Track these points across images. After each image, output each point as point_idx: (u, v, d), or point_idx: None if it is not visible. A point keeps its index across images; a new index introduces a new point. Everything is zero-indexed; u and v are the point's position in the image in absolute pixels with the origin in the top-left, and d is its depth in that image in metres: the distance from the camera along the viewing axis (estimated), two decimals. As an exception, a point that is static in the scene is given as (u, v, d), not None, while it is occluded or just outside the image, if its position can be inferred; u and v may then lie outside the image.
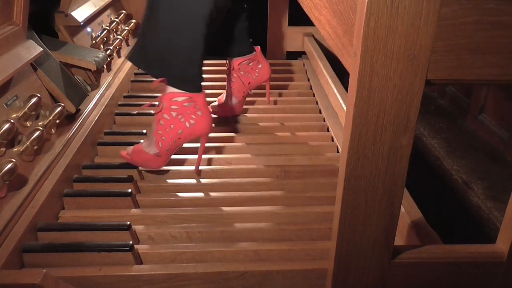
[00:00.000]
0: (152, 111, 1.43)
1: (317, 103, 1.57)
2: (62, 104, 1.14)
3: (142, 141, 1.21)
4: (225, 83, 1.42)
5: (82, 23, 1.43)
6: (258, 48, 1.38)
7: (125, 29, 1.74)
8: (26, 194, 0.95)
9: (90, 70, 1.40)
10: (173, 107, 1.08)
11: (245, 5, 1.33)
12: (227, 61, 1.38)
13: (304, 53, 2.00)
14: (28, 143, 1.00)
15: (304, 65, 1.89)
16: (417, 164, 1.11)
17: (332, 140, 1.36)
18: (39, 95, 1.07)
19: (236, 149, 1.29)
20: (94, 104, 1.34)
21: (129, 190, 1.05)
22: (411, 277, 0.74)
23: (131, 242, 0.88)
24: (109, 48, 1.55)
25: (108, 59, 1.50)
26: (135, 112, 1.44)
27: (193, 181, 1.14)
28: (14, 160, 0.91)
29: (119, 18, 1.75)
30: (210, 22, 1.05)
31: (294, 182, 1.15)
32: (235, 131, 1.38)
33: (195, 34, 1.05)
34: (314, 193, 1.10)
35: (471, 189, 1.40)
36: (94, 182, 1.10)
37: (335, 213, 0.69)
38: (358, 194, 0.65)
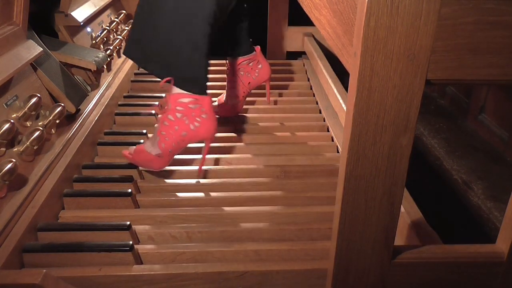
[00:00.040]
0: (152, 111, 1.43)
1: (317, 103, 1.57)
2: (62, 104, 1.14)
3: (142, 141, 1.22)
4: (225, 83, 1.42)
5: (82, 23, 1.43)
6: (258, 48, 1.38)
7: (125, 29, 1.74)
8: (26, 194, 0.95)
9: (90, 70, 1.40)
10: (178, 108, 1.07)
11: (245, 5, 1.33)
12: (227, 61, 1.38)
13: (304, 53, 2.00)
14: (28, 143, 1.00)
15: (304, 65, 1.89)
16: (417, 164, 1.11)
17: (332, 140, 1.36)
18: (39, 95, 1.07)
19: (236, 149, 1.29)
20: (94, 104, 1.34)
21: (129, 190, 1.05)
22: (411, 277, 0.74)
23: (131, 242, 0.88)
24: (109, 48, 1.55)
25: (108, 59, 1.50)
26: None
27: (193, 181, 1.14)
28: (14, 160, 0.91)
29: (119, 18, 1.75)
30: (214, 22, 1.05)
31: (294, 182, 1.15)
32: (235, 131, 1.38)
33: (198, 34, 1.04)
34: (314, 193, 1.10)
35: (471, 189, 1.40)
36: (94, 182, 1.10)
37: (335, 213, 0.69)
38: (358, 194, 0.65)
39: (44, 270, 0.75)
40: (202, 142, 1.14)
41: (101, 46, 1.56)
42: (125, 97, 1.57)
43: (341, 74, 1.59)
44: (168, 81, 1.07)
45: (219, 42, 1.31)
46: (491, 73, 0.59)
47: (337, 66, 1.54)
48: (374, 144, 0.61)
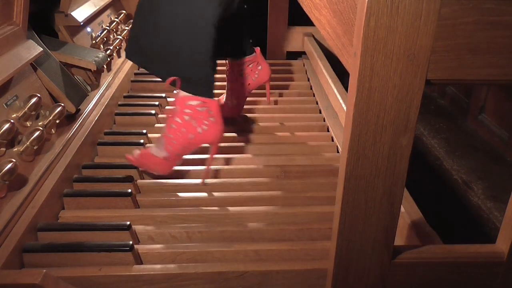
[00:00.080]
0: (152, 111, 1.43)
1: (317, 103, 1.57)
2: (62, 104, 1.14)
3: (141, 141, 1.22)
4: (225, 83, 1.42)
5: (82, 23, 1.43)
6: (257, 49, 1.37)
7: (125, 29, 1.74)
8: (26, 194, 0.95)
9: (90, 70, 1.40)
10: (186, 110, 1.06)
11: (245, 6, 1.33)
12: (227, 62, 1.38)
13: (304, 53, 2.00)
14: (28, 143, 1.00)
15: (304, 65, 1.89)
16: (417, 164, 1.11)
17: (332, 140, 1.36)
18: (39, 95, 1.07)
19: (236, 149, 1.29)
20: (94, 104, 1.34)
21: (129, 190, 1.05)
22: (411, 277, 0.74)
23: (131, 242, 0.88)
24: (109, 48, 1.55)
25: (108, 59, 1.50)
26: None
27: (193, 181, 1.14)
28: (14, 160, 0.91)
29: (119, 18, 1.75)
30: (219, 24, 1.03)
31: (294, 182, 1.15)
32: (235, 131, 1.38)
33: (203, 36, 1.03)
34: (314, 193, 1.10)
35: (471, 189, 1.40)
36: (94, 182, 1.10)
37: (335, 213, 0.69)
38: (358, 194, 0.65)
39: (44, 270, 0.75)
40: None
41: (101, 46, 1.56)
42: (125, 97, 1.57)
43: (341, 74, 1.59)
44: (173, 83, 1.06)
45: (219, 43, 1.30)
46: (491, 73, 0.59)
47: (337, 66, 1.54)
48: (374, 144, 0.61)
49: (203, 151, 1.17)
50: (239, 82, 1.36)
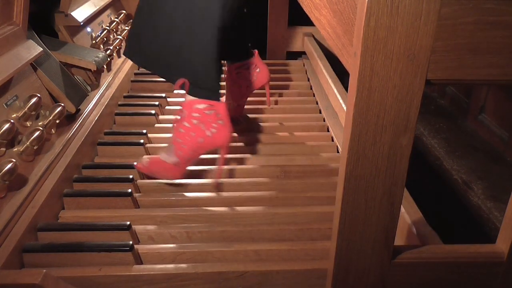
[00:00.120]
0: (152, 111, 1.43)
1: (317, 103, 1.57)
2: (62, 104, 1.14)
3: (141, 141, 1.21)
4: (224, 84, 1.42)
5: (82, 23, 1.43)
6: (256, 52, 1.37)
7: (125, 29, 1.74)
8: (26, 194, 0.95)
9: (90, 70, 1.40)
10: (194, 114, 1.05)
11: (245, 10, 1.32)
12: (225, 64, 1.37)
13: (304, 53, 2.00)
14: (28, 143, 1.00)
15: (304, 65, 1.89)
16: (417, 164, 1.11)
17: (332, 140, 1.36)
18: (39, 95, 1.07)
19: (236, 149, 1.29)
20: (94, 104, 1.34)
21: (129, 190, 1.05)
22: (411, 277, 0.74)
23: (131, 242, 0.88)
24: (109, 48, 1.55)
25: (108, 59, 1.50)
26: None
27: (193, 181, 1.14)
28: (14, 160, 0.91)
29: (119, 18, 1.75)
30: (223, 26, 1.02)
31: (294, 182, 1.15)
32: (235, 131, 1.38)
33: (208, 39, 1.02)
34: (314, 193, 1.10)
35: (471, 189, 1.40)
36: (94, 182, 1.10)
37: (335, 213, 0.69)
38: (358, 194, 0.65)
39: (44, 270, 0.75)
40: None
41: (101, 46, 1.56)
42: (125, 97, 1.57)
43: (341, 74, 1.59)
44: (182, 87, 1.05)
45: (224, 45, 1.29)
46: (491, 73, 0.59)
47: (337, 66, 1.54)
48: (374, 144, 0.61)
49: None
50: (237, 84, 1.35)
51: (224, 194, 1.10)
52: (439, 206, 1.37)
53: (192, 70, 1.05)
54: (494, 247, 0.77)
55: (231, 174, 1.18)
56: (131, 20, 1.80)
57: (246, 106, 1.48)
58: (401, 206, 0.75)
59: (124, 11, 1.81)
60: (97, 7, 1.57)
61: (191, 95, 1.06)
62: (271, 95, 1.52)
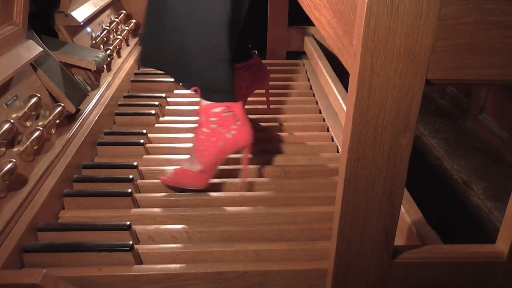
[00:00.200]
0: (152, 111, 1.43)
1: (317, 103, 1.57)
2: (62, 104, 1.14)
3: (141, 141, 1.21)
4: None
5: (82, 23, 1.43)
6: (255, 53, 1.36)
7: (125, 29, 1.74)
8: (26, 194, 0.95)
9: (90, 70, 1.40)
10: (212, 119, 1.04)
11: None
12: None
13: (304, 53, 2.00)
14: (28, 143, 1.00)
15: (304, 65, 1.89)
16: (417, 164, 1.11)
17: (332, 140, 1.36)
18: (39, 95, 1.07)
19: (236, 149, 1.29)
20: (94, 104, 1.34)
21: (129, 190, 1.05)
22: (411, 277, 0.74)
23: (131, 242, 0.88)
24: (109, 48, 1.55)
25: (108, 59, 1.50)
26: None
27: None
28: (14, 160, 0.91)
29: (119, 18, 1.75)
30: (232, 26, 1.01)
31: (294, 182, 1.15)
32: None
33: (218, 41, 1.00)
34: (314, 193, 1.10)
35: (471, 189, 1.40)
36: (94, 182, 1.10)
37: (335, 213, 0.69)
38: (358, 194, 0.65)
39: (44, 270, 0.75)
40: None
41: (101, 46, 1.56)
42: (125, 97, 1.57)
43: (341, 74, 1.59)
44: (195, 91, 1.04)
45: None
46: (491, 73, 0.59)
47: (337, 66, 1.54)
48: (374, 144, 0.61)
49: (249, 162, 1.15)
50: (237, 86, 1.34)
51: (224, 194, 1.10)
52: (439, 206, 1.37)
53: (204, 75, 1.04)
54: (494, 247, 0.76)
55: (231, 174, 1.18)
56: (131, 20, 1.81)
57: (246, 106, 1.48)
58: (401, 206, 0.75)
59: (124, 11, 1.81)
60: (97, 7, 1.57)
61: (206, 100, 1.05)
62: (271, 95, 1.52)
